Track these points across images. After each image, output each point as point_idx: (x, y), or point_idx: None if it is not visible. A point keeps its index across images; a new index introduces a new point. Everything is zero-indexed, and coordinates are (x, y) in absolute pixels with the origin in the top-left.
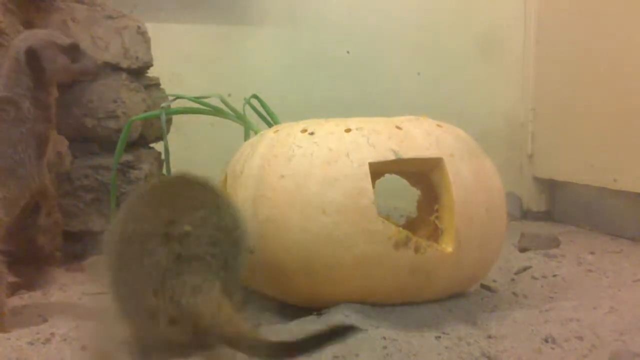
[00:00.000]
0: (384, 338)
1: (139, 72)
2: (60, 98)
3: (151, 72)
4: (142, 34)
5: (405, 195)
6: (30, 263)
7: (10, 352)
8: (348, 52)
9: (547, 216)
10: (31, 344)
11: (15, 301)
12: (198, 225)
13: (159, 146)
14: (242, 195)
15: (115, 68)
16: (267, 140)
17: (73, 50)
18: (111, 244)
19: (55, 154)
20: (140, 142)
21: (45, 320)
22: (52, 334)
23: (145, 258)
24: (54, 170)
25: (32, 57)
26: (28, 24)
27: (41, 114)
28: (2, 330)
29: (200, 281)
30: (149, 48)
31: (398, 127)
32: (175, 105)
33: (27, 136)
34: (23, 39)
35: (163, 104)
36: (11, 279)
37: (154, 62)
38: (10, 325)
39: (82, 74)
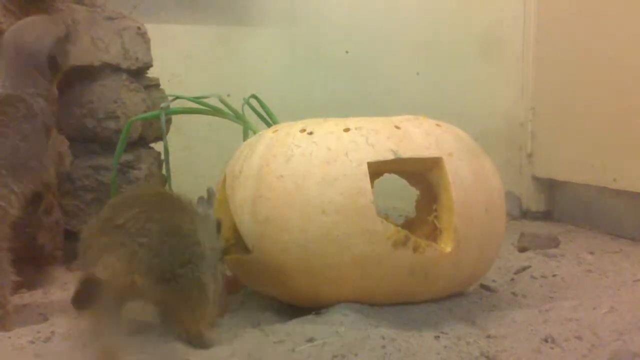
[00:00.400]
0: (383, 337)
1: (138, 73)
2: (61, 98)
3: (151, 73)
4: (142, 34)
5: (404, 195)
6: (31, 262)
7: (11, 351)
8: (347, 52)
9: (546, 216)
10: (32, 342)
11: (16, 300)
12: (129, 219)
13: (158, 146)
14: (241, 196)
15: (115, 69)
16: (266, 140)
17: (68, 36)
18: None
19: (56, 154)
20: (140, 142)
21: (45, 319)
22: (53, 333)
23: (88, 249)
24: (55, 169)
25: (53, 61)
26: None
27: (50, 108)
28: (5, 328)
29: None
30: (148, 49)
31: (397, 127)
32: (174, 105)
33: (38, 129)
34: (33, 39)
35: (163, 104)
36: (13, 277)
37: (154, 63)
38: (12, 323)
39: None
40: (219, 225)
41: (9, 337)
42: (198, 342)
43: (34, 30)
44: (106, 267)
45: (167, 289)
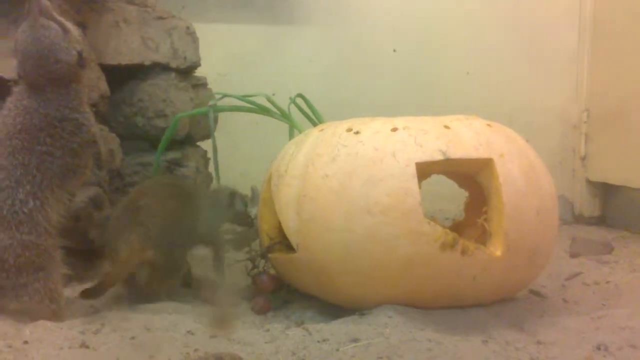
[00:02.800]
0: (429, 340)
1: (187, 72)
2: (112, 97)
3: (197, 72)
4: (191, 34)
5: (451, 197)
6: (83, 256)
7: (63, 341)
8: (395, 50)
9: (599, 221)
10: (82, 333)
11: (68, 292)
12: (148, 202)
13: (205, 144)
14: (286, 194)
15: (165, 68)
16: (312, 139)
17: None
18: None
19: (107, 151)
20: (187, 140)
21: (96, 311)
22: (103, 324)
23: (117, 219)
24: (106, 167)
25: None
26: (81, 25)
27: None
28: (58, 319)
29: (135, 236)
30: (197, 48)
31: (446, 127)
32: (221, 104)
33: (87, 141)
34: (48, 50)
35: (211, 102)
36: (64, 271)
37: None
38: (64, 315)
39: None
40: (232, 197)
41: (61, 328)
42: (153, 298)
43: (46, 40)
44: (126, 242)
45: (161, 258)
